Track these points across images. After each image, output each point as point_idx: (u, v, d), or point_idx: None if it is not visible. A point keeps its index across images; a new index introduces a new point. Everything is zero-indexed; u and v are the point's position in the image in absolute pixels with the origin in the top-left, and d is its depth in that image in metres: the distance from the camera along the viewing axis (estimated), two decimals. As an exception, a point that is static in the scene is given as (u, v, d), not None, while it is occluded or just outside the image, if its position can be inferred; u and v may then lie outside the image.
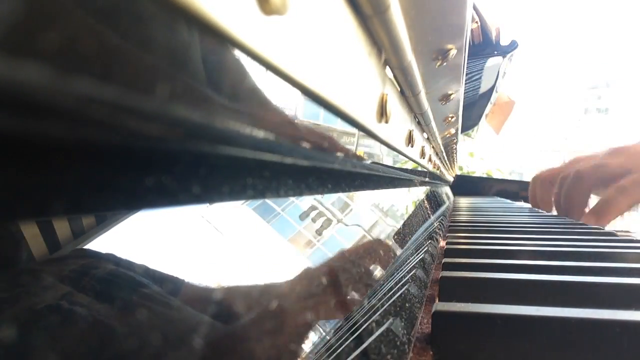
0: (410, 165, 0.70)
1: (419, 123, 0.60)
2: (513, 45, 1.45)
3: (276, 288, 0.22)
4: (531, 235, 0.74)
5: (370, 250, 0.41)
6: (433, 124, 0.64)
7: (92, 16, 0.08)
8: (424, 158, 0.74)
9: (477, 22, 1.28)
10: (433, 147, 0.90)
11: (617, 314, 0.28)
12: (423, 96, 0.46)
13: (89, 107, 0.08)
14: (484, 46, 1.37)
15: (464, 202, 1.85)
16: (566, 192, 1.09)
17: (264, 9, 0.13)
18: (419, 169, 0.81)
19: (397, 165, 0.57)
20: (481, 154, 4.28)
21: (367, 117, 0.29)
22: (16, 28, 0.06)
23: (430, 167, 0.90)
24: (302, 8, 0.16)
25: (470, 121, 2.32)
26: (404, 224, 0.62)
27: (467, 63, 0.54)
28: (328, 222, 0.33)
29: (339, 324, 0.25)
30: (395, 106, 0.38)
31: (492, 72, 1.60)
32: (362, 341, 0.22)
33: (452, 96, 0.57)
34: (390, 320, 0.23)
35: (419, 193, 0.94)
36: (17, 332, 0.09)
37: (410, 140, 0.51)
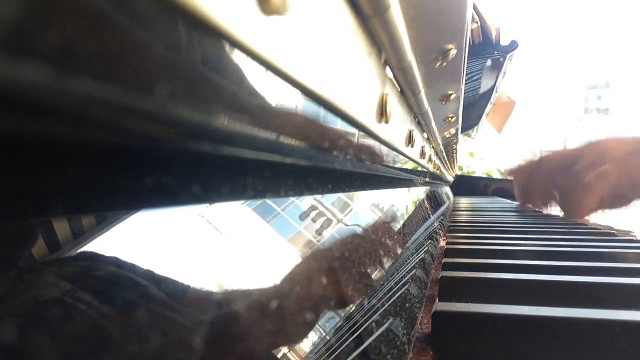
0: (410, 165, 0.70)
1: (419, 123, 0.60)
2: (513, 45, 1.45)
3: (276, 288, 0.22)
4: (531, 235, 0.74)
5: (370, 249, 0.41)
6: (433, 124, 0.64)
7: (92, 16, 0.08)
8: (424, 158, 0.74)
9: (477, 22, 1.28)
10: (433, 147, 0.90)
11: (617, 314, 0.28)
12: (423, 96, 0.46)
13: (89, 106, 0.08)
14: (484, 46, 1.37)
15: (464, 202, 1.85)
16: (528, 175, 1.12)
17: (264, 9, 0.13)
18: (419, 169, 0.81)
19: (397, 165, 0.56)
20: (481, 154, 4.27)
21: (367, 117, 0.29)
22: (16, 28, 0.06)
23: (430, 167, 0.90)
24: (302, 8, 0.16)
25: (470, 121, 2.32)
26: (403, 224, 0.62)
27: (467, 63, 0.54)
28: (328, 222, 0.33)
29: (339, 324, 0.25)
30: (395, 106, 0.38)
31: (492, 72, 1.60)
32: (362, 341, 0.22)
33: (452, 96, 0.57)
34: (390, 320, 0.23)
35: (419, 193, 0.94)
36: (19, 328, 0.09)
37: (410, 140, 0.51)
